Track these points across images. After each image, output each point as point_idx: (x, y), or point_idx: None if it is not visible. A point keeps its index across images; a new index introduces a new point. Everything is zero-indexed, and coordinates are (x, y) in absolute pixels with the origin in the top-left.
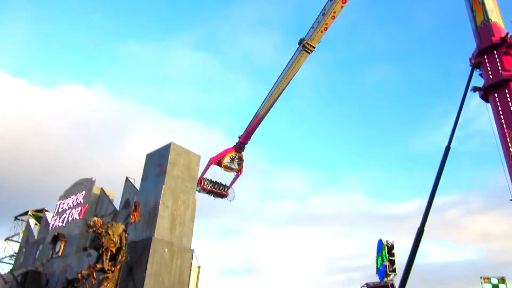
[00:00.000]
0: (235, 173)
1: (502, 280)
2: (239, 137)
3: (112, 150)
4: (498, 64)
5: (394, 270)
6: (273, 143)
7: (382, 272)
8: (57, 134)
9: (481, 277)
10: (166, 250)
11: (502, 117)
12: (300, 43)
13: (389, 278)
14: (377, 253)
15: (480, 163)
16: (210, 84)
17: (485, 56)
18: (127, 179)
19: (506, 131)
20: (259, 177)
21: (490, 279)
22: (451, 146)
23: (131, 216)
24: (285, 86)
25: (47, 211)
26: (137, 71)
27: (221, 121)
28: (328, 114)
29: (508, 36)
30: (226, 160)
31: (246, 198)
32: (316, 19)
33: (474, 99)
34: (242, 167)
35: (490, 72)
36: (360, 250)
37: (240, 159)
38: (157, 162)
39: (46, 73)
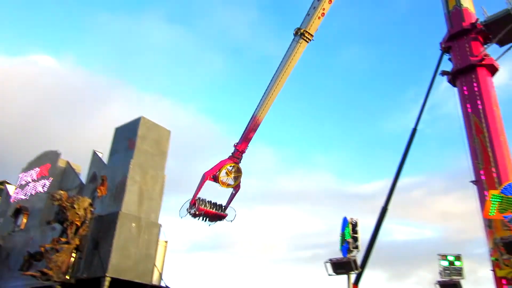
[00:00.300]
0: (232, 189)
1: (458, 257)
2: (234, 145)
3: (79, 123)
4: (467, 49)
5: (357, 247)
6: (245, 120)
7: (345, 248)
8: (21, 105)
9: (438, 254)
10: (134, 224)
11: (467, 101)
12: (296, 33)
13: (351, 255)
14: (342, 231)
15: (445, 146)
16: (184, 59)
17: (455, 41)
18: (94, 152)
19: (470, 115)
20: (229, 153)
21: (446, 257)
22: (418, 128)
23: (98, 190)
24: (284, 82)
25: (8, 183)
26: (109, 43)
27: (195, 98)
28: (301, 94)
29: (478, 22)
30: (223, 174)
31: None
32: (312, 5)
33: (443, 83)
34: (240, 182)
35: (458, 57)
36: (326, 228)
37: (238, 171)
38: (126, 136)
39: (12, 42)
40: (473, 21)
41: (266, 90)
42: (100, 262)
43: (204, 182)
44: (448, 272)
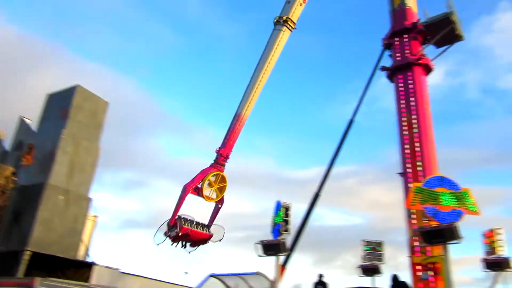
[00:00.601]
0: (215, 203)
1: (379, 244)
2: (217, 150)
3: (7, 87)
4: (406, 47)
5: (287, 230)
6: (191, 98)
7: (276, 231)
8: None
9: (362, 240)
10: (61, 197)
11: (402, 97)
12: (277, 21)
13: (282, 237)
14: (274, 214)
15: (379, 139)
16: (129, 29)
17: (396, 38)
18: (21, 119)
19: (403, 111)
20: (173, 132)
21: (369, 242)
22: (354, 120)
23: (23, 159)
24: (269, 74)
25: None
26: (46, 3)
27: (138, 71)
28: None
29: (419, 22)
30: (206, 185)
31: (156, 152)
32: None
33: (383, 78)
34: (224, 195)
35: (398, 54)
36: (262, 211)
37: (223, 181)
38: (59, 104)
39: None
40: (415, 21)
41: (249, 85)
42: (20, 235)
43: (185, 196)
44: (370, 257)
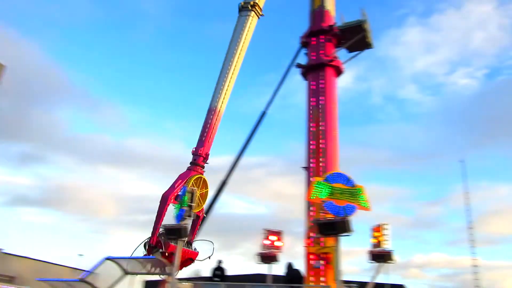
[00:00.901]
0: (194, 215)
1: (279, 233)
2: (193, 151)
3: None
4: (321, 48)
5: (191, 216)
6: (103, 72)
7: (180, 216)
8: None
9: (263, 229)
10: None
11: (312, 95)
12: (243, 6)
13: (185, 222)
14: (179, 199)
15: (289, 133)
16: None
17: (313, 38)
18: None
19: (312, 108)
20: (79, 105)
21: (269, 231)
22: (267, 112)
23: None
24: (241, 63)
25: None
26: None
27: (45, 35)
28: (165, 58)
29: (335, 26)
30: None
31: (58, 125)
32: None
33: (298, 74)
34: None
35: (313, 53)
36: None
37: (205, 185)
38: None
39: None
40: (332, 23)
41: (220, 76)
42: None
43: (167, 207)
44: (269, 246)
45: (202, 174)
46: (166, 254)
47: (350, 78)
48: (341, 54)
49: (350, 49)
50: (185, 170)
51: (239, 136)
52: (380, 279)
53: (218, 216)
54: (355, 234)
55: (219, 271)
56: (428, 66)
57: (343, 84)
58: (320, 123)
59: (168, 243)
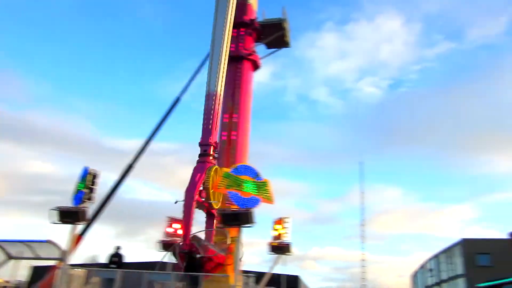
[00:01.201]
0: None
1: (180, 221)
2: (202, 142)
3: None
4: (241, 41)
5: (90, 198)
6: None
7: (79, 198)
8: None
9: (167, 217)
10: None
11: (229, 86)
12: None
13: (83, 205)
14: (80, 180)
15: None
16: None
17: (234, 30)
18: None
19: (227, 101)
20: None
21: (173, 219)
22: (181, 98)
23: None
24: (229, 42)
25: None
26: None
27: None
28: (86, 36)
29: (256, 20)
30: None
31: None
32: None
33: None
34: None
35: (233, 45)
36: (69, 175)
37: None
38: None
39: None
40: (253, 18)
41: (213, 59)
42: None
43: (194, 205)
44: (172, 234)
45: (215, 165)
46: (204, 259)
47: (267, 74)
48: (260, 49)
49: (269, 46)
50: (195, 164)
51: (155, 120)
52: (278, 270)
53: (122, 201)
54: (258, 226)
55: (116, 258)
56: (339, 71)
57: (259, 79)
58: (234, 115)
59: (206, 246)
